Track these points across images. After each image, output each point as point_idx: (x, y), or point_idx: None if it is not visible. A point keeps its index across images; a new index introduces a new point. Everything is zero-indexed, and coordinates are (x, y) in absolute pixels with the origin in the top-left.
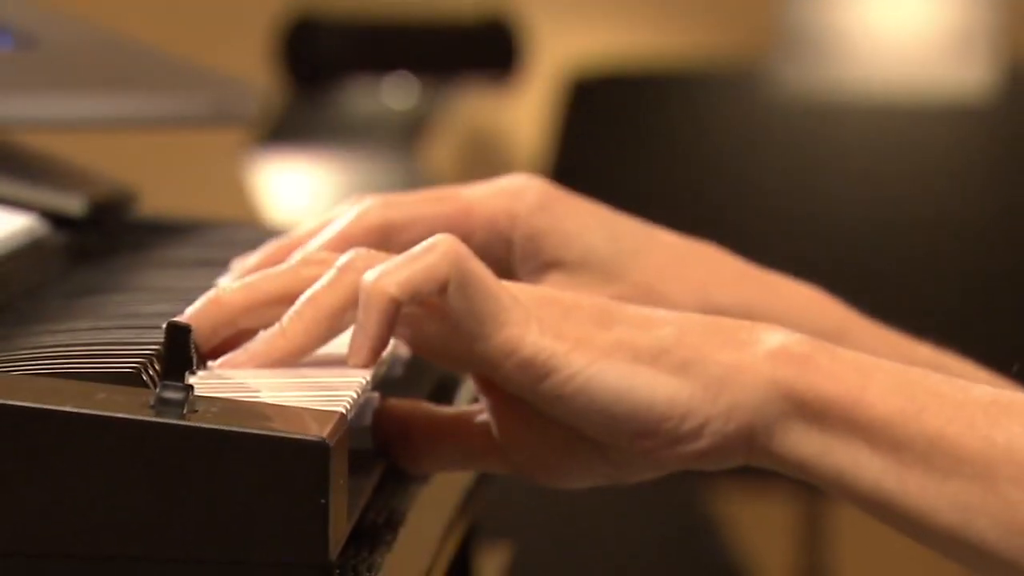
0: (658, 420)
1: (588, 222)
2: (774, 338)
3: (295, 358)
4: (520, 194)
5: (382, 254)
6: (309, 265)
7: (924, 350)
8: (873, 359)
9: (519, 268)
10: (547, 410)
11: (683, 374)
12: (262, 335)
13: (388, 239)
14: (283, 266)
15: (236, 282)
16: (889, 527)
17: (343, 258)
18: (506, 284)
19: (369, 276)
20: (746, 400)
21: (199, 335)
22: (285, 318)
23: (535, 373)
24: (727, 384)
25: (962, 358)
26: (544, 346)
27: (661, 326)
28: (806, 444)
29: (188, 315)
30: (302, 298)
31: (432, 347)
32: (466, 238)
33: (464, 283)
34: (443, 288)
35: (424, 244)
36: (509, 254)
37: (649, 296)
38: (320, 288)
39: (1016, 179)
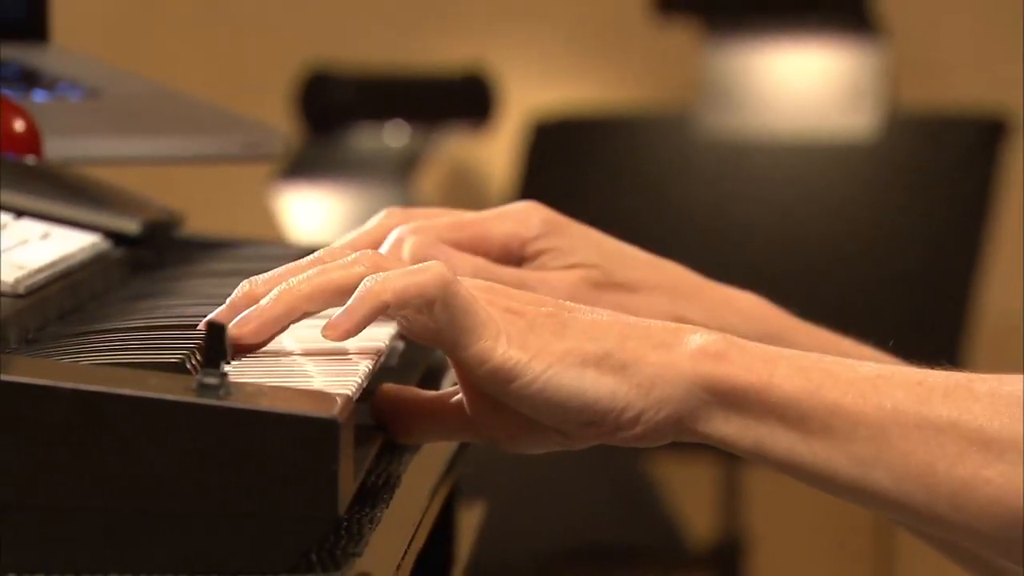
0: (603, 413)
1: (580, 241)
2: (695, 339)
3: (292, 313)
4: (526, 221)
5: (392, 258)
6: (329, 257)
7: (847, 343)
8: (776, 350)
9: None
10: (514, 406)
11: (622, 374)
12: (274, 292)
13: None
14: (305, 260)
15: (265, 275)
16: (801, 484)
17: (360, 252)
18: (482, 293)
19: (371, 278)
20: (673, 393)
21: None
22: (294, 278)
23: (503, 378)
24: (657, 381)
25: (876, 348)
26: (510, 356)
27: (605, 333)
28: (726, 425)
29: (226, 306)
30: (315, 268)
31: (423, 337)
32: (484, 257)
33: (448, 302)
34: (430, 304)
35: (421, 265)
36: (519, 267)
37: (631, 293)
38: (334, 265)
39: (895, 204)
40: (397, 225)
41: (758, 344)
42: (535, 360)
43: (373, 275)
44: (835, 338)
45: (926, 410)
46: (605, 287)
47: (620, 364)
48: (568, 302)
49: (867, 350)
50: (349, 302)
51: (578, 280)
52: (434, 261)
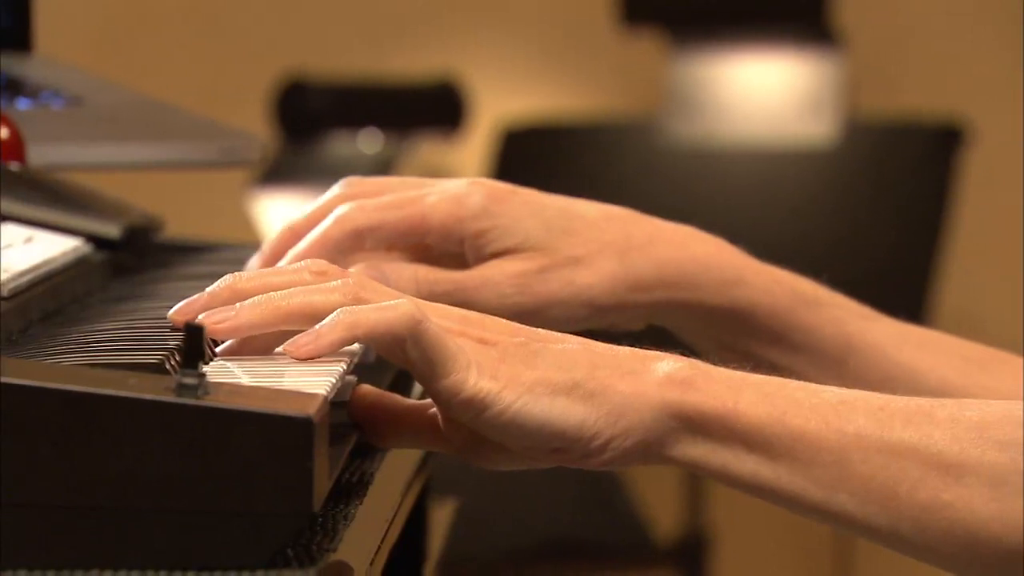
0: (572, 441)
1: (521, 214)
2: (662, 367)
3: (267, 327)
4: (464, 200)
5: (372, 284)
6: (314, 268)
7: (805, 283)
8: (742, 376)
9: (470, 259)
10: (486, 435)
11: (591, 403)
12: (256, 299)
13: (360, 241)
14: (292, 267)
15: (251, 272)
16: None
17: (342, 279)
18: (455, 324)
19: (343, 310)
20: (641, 421)
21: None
22: (277, 294)
23: (475, 408)
24: (626, 410)
25: (832, 289)
26: (482, 387)
27: (575, 363)
28: (693, 450)
29: (207, 294)
30: (299, 289)
31: (399, 364)
32: (422, 237)
33: (418, 339)
34: (400, 341)
35: (392, 302)
36: (461, 248)
37: (578, 266)
38: (316, 289)
39: (854, 209)
40: (345, 200)
41: (724, 370)
42: (506, 390)
43: (347, 307)
44: (792, 277)
45: (887, 435)
46: (550, 268)
47: (589, 393)
48: (540, 330)
49: (822, 290)
50: (319, 326)
51: (521, 270)
52: (405, 300)
